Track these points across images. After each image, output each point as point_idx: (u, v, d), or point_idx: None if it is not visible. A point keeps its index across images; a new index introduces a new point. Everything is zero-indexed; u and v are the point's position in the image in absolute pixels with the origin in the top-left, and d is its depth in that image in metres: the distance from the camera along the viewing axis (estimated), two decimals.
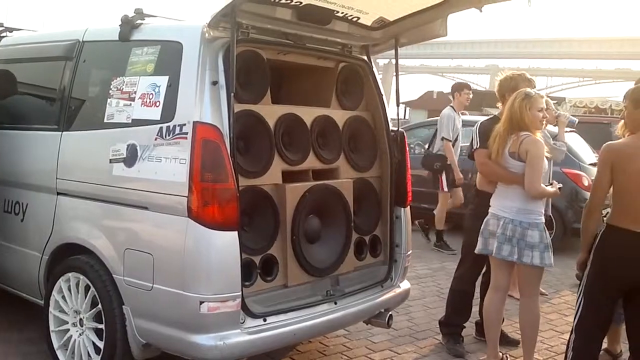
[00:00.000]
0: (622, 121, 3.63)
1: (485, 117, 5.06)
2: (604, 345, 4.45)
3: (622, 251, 3.33)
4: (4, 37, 4.75)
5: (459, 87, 7.99)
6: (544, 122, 4.09)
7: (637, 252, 3.30)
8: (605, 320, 3.49)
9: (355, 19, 3.88)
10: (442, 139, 7.60)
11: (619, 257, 3.34)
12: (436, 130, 7.98)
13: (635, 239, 3.29)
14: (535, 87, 4.48)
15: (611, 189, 3.42)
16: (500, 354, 4.32)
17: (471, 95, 7.92)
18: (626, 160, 3.33)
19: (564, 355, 3.76)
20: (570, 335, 3.59)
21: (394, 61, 4.24)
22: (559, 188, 4.02)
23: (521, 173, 3.90)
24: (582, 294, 3.53)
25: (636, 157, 3.30)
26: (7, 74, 4.34)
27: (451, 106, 7.79)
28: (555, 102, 7.64)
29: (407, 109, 30.72)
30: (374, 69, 4.29)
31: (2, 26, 4.85)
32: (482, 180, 4.29)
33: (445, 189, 7.65)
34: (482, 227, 4.09)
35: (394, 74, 4.26)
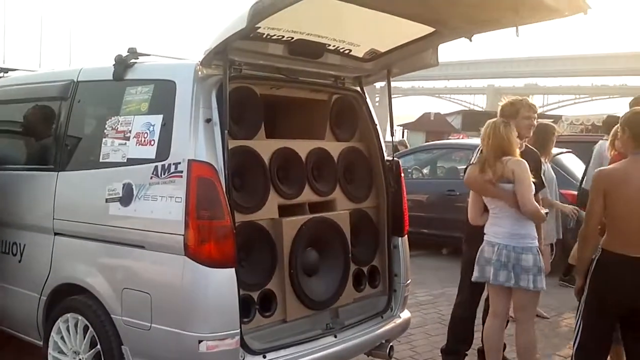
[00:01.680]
0: (609, 141, 3.71)
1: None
2: None
3: (618, 276, 3.33)
4: (0, 77, 4.79)
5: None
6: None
7: (633, 276, 3.30)
8: (604, 345, 3.48)
9: (347, 51, 3.92)
10: None
11: (615, 282, 3.34)
12: (588, 164, 6.96)
13: (631, 264, 3.30)
14: (536, 112, 4.53)
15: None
16: None
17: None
18: (618, 185, 3.34)
19: None
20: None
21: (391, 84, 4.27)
22: (546, 213, 4.08)
23: (510, 190, 3.97)
24: (580, 319, 3.52)
25: (628, 182, 3.32)
26: (48, 111, 4.16)
27: (605, 139, 6.50)
28: (551, 120, 7.58)
29: (405, 131, 30.90)
30: (367, 100, 4.31)
31: None
32: (474, 215, 4.28)
33: None
34: (477, 255, 4.11)
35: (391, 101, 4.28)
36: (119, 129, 3.55)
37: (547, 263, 4.55)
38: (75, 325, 3.62)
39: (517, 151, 4.06)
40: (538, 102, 71.61)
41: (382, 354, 4.09)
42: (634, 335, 3.45)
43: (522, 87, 76.12)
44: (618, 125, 3.92)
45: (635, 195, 3.29)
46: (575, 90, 76.84)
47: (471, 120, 29.86)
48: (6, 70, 4.85)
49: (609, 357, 4.32)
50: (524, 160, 4.03)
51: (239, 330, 3.17)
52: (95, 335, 3.48)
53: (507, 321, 4.41)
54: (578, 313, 3.59)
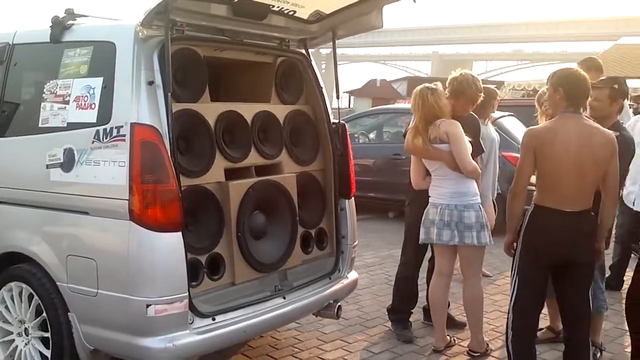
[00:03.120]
0: (540, 110, 3.84)
1: None
2: (547, 323, 4.62)
3: (550, 229, 3.46)
4: None
5: None
6: None
7: (563, 229, 3.44)
8: (539, 297, 3.62)
9: (291, 13, 3.88)
10: None
11: (548, 235, 3.47)
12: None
13: (561, 218, 3.43)
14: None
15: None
16: (448, 337, 4.44)
17: None
18: (547, 144, 3.44)
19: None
20: (508, 315, 3.70)
21: (337, 51, 4.26)
22: None
23: (447, 151, 4.07)
24: (515, 273, 3.65)
25: (556, 141, 3.41)
26: None
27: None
28: (494, 85, 7.75)
29: (352, 97, 30.94)
30: (313, 62, 4.30)
31: None
32: (416, 179, 4.38)
33: None
34: (423, 218, 4.20)
35: (338, 63, 4.29)
36: (58, 93, 3.46)
37: (492, 220, 4.69)
38: (20, 294, 3.56)
39: (448, 112, 4.15)
40: (481, 68, 72.82)
41: (331, 314, 4.16)
42: (566, 286, 3.60)
43: (465, 54, 77.17)
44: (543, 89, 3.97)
45: (562, 153, 3.40)
46: (517, 57, 78.28)
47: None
48: None
49: (549, 311, 4.53)
50: (456, 121, 4.13)
51: (187, 294, 3.17)
52: (41, 304, 3.43)
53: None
54: (513, 268, 3.71)
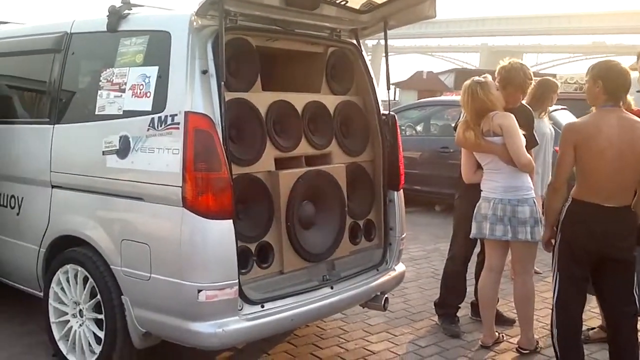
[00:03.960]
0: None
1: None
2: (598, 322, 4.53)
3: (588, 224, 3.41)
4: None
5: None
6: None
7: (603, 224, 3.38)
8: (580, 292, 3.56)
9: (343, 3, 3.86)
10: None
11: (585, 229, 3.41)
12: None
13: (601, 212, 3.37)
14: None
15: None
16: (497, 333, 4.38)
17: None
18: (590, 140, 3.37)
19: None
20: (552, 313, 3.64)
21: (382, 42, 4.24)
22: None
23: (500, 144, 3.99)
24: (556, 269, 3.59)
25: (599, 136, 3.35)
26: (42, 64, 4.08)
27: None
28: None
29: (397, 89, 30.71)
30: (363, 53, 4.29)
31: None
32: (467, 172, 4.31)
33: None
34: (474, 212, 4.14)
35: (384, 55, 4.27)
36: (114, 81, 3.53)
37: None
38: (75, 276, 3.67)
39: (501, 104, 4.07)
40: (531, 61, 71.41)
41: (377, 306, 4.14)
42: (603, 284, 3.55)
43: (516, 46, 75.75)
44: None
45: (606, 147, 3.33)
46: (569, 49, 76.46)
47: (464, 78, 29.28)
48: None
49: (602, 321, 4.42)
50: (510, 114, 4.05)
51: (237, 281, 3.22)
52: (95, 286, 3.53)
53: None
54: (553, 264, 3.65)
